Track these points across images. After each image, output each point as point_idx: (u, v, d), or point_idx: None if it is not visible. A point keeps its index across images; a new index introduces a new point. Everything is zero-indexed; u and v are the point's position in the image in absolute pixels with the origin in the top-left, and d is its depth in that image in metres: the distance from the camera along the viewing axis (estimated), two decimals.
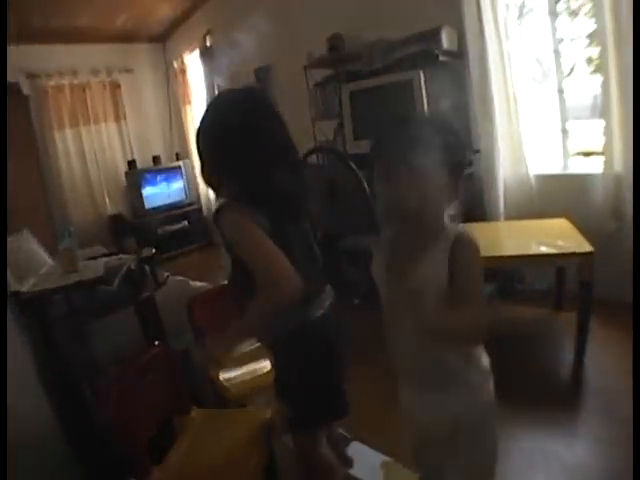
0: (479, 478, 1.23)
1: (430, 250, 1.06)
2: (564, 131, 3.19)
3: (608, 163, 2.79)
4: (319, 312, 1.40)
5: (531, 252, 2.44)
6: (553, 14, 3.10)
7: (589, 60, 3.14)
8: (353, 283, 2.38)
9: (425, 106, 3.07)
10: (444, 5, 3.26)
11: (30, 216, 4.56)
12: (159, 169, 6.54)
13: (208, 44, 5.84)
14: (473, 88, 3.24)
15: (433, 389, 1.16)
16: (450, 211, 1.10)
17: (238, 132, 1.28)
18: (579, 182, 3.00)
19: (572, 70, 3.21)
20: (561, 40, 3.11)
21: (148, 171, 6.44)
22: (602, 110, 2.78)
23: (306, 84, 4.14)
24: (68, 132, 6.23)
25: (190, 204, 6.56)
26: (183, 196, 6.57)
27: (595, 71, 3.01)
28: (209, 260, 5.74)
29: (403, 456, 1.86)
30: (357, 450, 2.04)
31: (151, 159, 6.62)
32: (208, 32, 5.80)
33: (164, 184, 6.48)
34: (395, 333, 1.18)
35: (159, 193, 6.42)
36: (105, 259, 2.54)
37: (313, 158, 3.92)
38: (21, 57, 5.36)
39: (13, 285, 2.25)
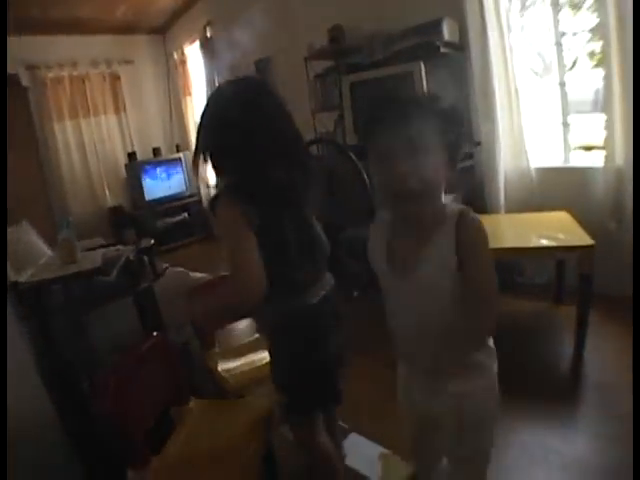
0: (477, 462, 1.23)
1: (434, 233, 1.03)
2: (565, 124, 3.18)
3: (609, 157, 2.78)
4: (313, 300, 1.41)
5: (531, 245, 2.44)
6: (556, 7, 3.08)
7: (591, 54, 3.12)
8: (353, 275, 2.37)
9: None
10: None
11: (30, 208, 4.54)
12: (159, 161, 6.52)
13: (208, 35, 5.81)
14: (474, 80, 3.22)
15: (441, 374, 1.14)
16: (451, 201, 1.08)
17: (237, 124, 1.28)
18: (580, 175, 3.00)
19: (574, 64, 3.19)
20: (563, 34, 3.09)
21: (148, 163, 6.42)
22: (604, 104, 2.77)
23: (306, 76, 4.13)
24: (68, 124, 6.21)
25: (190, 196, 6.53)
26: (183, 188, 6.56)
27: (597, 65, 2.99)
28: (209, 252, 5.73)
29: (401, 448, 1.87)
30: (355, 442, 2.05)
31: (151, 151, 6.60)
32: (208, 23, 5.77)
33: (164, 176, 6.46)
34: (403, 322, 1.16)
35: (159, 185, 6.40)
36: (103, 250, 2.53)
37: (313, 149, 3.91)
38: (20, 48, 5.35)
39: (12, 276, 2.25)
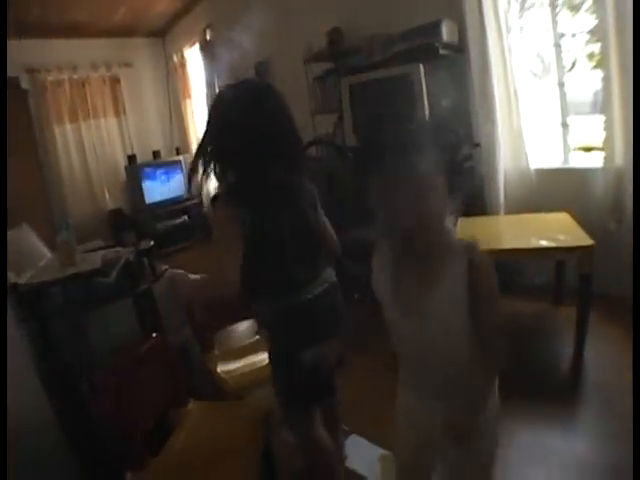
0: (483, 462, 1.22)
1: (441, 268, 1.02)
2: (565, 125, 3.18)
3: (608, 158, 2.78)
4: (307, 296, 1.44)
5: (531, 246, 2.43)
6: (554, 9, 3.08)
7: (590, 56, 3.12)
8: (352, 277, 2.36)
9: (425, 99, 3.05)
10: None
11: (29, 210, 4.55)
12: (159, 163, 6.53)
13: (208, 38, 5.82)
14: (474, 82, 3.22)
15: (449, 395, 1.12)
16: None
17: (239, 126, 1.32)
18: (580, 176, 3.00)
19: (573, 65, 3.19)
20: (562, 35, 3.09)
21: (148, 165, 6.42)
22: (603, 105, 2.77)
23: (306, 78, 4.14)
24: (68, 127, 6.23)
25: (190, 198, 6.51)
26: (183, 190, 6.52)
27: (596, 66, 3.00)
28: (209, 254, 5.71)
29: None
30: (355, 443, 2.04)
31: (151, 153, 6.61)
32: (208, 26, 5.78)
33: (164, 178, 6.46)
34: (411, 352, 1.15)
35: (159, 187, 6.40)
36: (102, 252, 2.53)
37: (312, 151, 3.91)
38: (20, 52, 5.35)
39: (11, 278, 2.25)
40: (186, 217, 6.45)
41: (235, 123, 1.33)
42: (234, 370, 2.04)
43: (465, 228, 2.71)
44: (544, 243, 2.40)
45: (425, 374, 1.16)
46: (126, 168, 6.39)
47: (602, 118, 2.78)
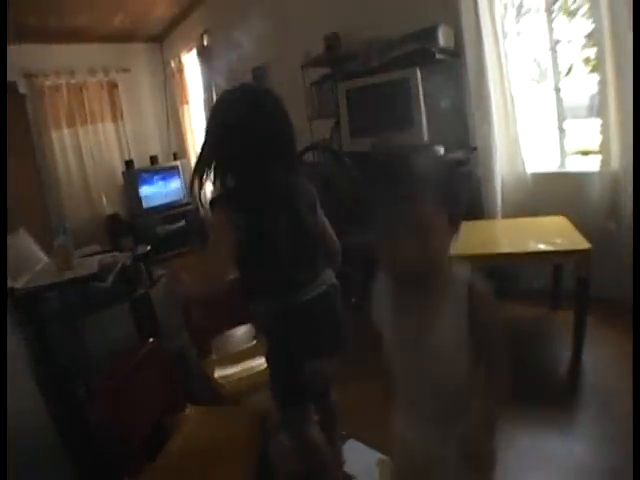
0: (483, 465, 1.21)
1: (442, 299, 1.01)
2: (561, 130, 3.19)
3: (605, 161, 2.79)
4: (306, 297, 1.45)
5: (529, 250, 2.44)
6: (550, 14, 3.10)
7: (586, 60, 3.14)
8: (350, 282, 2.36)
9: (422, 104, 3.06)
10: (441, 3, 3.26)
11: (26, 214, 4.55)
12: (156, 169, 6.54)
13: (205, 44, 5.84)
14: (470, 86, 3.23)
15: (452, 420, 1.10)
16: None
17: (238, 129, 1.34)
18: (576, 180, 3.00)
19: (570, 70, 3.20)
20: (558, 41, 3.11)
21: (145, 171, 6.44)
22: (599, 109, 2.77)
23: (303, 83, 4.14)
24: (65, 132, 6.23)
25: (187, 204, 6.52)
26: (180, 196, 6.55)
27: (592, 71, 3.01)
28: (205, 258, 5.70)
29: None
30: (353, 448, 2.03)
31: (148, 159, 6.61)
32: (205, 32, 5.80)
33: (161, 184, 6.47)
34: (411, 380, 1.14)
35: (156, 193, 6.41)
36: (99, 256, 2.53)
37: (309, 156, 3.91)
38: (19, 56, 5.35)
39: (8, 282, 2.24)
40: (183, 222, 6.44)
41: (235, 127, 1.34)
42: (231, 375, 2.04)
43: (462, 233, 2.70)
44: (541, 247, 2.40)
45: (425, 400, 1.14)
46: (123, 173, 6.40)
47: (598, 121, 2.79)
